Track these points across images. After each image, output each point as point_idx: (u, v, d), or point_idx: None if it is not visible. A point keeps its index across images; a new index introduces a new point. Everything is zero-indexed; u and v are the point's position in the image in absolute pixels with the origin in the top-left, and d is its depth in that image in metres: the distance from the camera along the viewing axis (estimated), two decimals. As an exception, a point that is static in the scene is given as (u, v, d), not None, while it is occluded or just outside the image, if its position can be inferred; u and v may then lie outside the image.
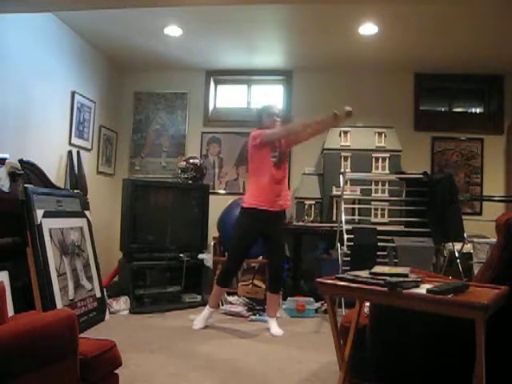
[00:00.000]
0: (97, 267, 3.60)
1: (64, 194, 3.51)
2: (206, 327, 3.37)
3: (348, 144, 4.39)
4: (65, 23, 3.93)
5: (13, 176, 3.05)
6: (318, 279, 1.89)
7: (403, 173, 4.20)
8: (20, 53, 3.37)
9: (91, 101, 4.46)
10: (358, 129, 4.39)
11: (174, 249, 4.08)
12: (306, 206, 4.44)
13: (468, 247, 3.76)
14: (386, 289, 1.63)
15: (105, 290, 3.70)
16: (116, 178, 5.02)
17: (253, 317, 3.73)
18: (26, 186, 3.05)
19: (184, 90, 5.13)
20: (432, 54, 4.37)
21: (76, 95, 4.16)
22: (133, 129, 5.18)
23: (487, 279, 1.78)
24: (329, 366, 2.53)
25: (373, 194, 4.28)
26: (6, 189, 2.96)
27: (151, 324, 3.48)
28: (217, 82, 5.30)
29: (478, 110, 5.12)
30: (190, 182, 4.50)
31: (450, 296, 1.54)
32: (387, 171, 4.30)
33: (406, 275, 1.75)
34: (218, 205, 4.48)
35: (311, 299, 3.92)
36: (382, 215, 4.24)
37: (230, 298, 4.06)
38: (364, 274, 1.84)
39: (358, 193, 4.20)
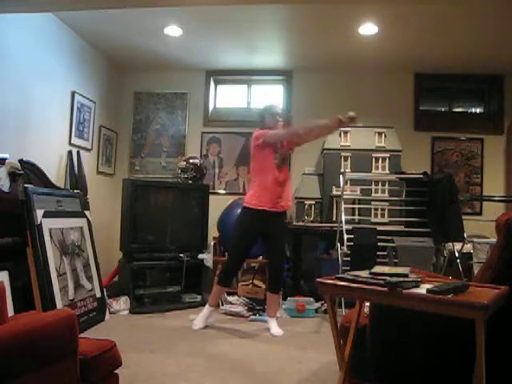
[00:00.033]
0: (97, 267, 3.60)
1: (64, 194, 3.51)
2: (205, 327, 3.37)
3: (348, 144, 4.39)
4: (65, 23, 3.93)
5: (13, 176, 3.05)
6: (318, 279, 1.88)
7: (403, 173, 4.20)
8: (20, 53, 3.37)
9: (91, 101, 4.46)
10: (358, 129, 4.37)
11: (173, 249, 4.08)
12: (306, 206, 4.44)
13: (468, 247, 3.76)
14: (385, 289, 1.63)
15: (105, 289, 3.70)
16: (116, 178, 5.02)
17: (253, 317, 3.73)
18: (26, 186, 3.05)
19: (184, 89, 5.13)
20: (432, 54, 4.37)
21: (76, 95, 4.16)
22: (133, 129, 5.18)
23: (487, 279, 1.78)
24: (329, 366, 2.53)
25: (373, 194, 4.28)
26: (5, 189, 2.95)
27: (151, 324, 3.48)
28: (217, 82, 5.30)
29: (477, 110, 5.12)
30: (190, 182, 4.50)
31: (449, 296, 1.54)
32: (387, 171, 4.30)
33: (406, 275, 1.75)
34: (217, 205, 4.48)
35: (311, 299, 3.92)
36: (382, 215, 4.24)
37: (230, 298, 4.06)
38: (364, 274, 1.84)
39: (358, 193, 4.20)
